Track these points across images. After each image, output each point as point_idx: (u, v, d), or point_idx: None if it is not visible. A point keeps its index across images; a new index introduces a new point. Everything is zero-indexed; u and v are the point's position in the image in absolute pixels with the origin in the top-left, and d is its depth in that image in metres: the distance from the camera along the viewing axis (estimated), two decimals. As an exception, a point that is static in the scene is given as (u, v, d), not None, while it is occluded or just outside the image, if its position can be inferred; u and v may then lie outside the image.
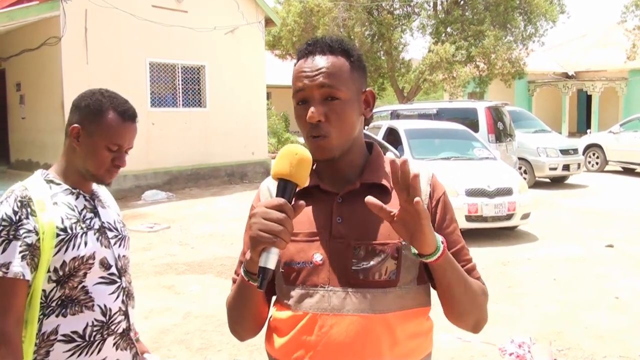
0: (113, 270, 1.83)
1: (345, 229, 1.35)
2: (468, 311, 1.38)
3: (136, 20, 11.79)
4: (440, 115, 12.19)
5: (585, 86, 26.20)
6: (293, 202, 1.22)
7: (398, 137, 9.42)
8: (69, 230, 1.75)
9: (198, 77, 13.53)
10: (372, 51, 22.22)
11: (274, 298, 1.47)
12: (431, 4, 22.95)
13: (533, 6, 21.22)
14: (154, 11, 12.22)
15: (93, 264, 1.77)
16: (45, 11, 10.98)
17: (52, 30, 11.19)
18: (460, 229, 1.47)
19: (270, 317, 1.46)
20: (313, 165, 1.32)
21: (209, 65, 13.47)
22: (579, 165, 13.38)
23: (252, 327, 1.45)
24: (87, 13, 11.25)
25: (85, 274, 1.76)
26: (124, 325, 1.85)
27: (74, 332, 1.74)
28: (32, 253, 1.69)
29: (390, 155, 1.25)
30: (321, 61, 1.34)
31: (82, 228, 1.78)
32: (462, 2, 22.18)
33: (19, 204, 1.71)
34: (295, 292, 1.36)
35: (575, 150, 13.58)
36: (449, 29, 22.00)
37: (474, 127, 11.07)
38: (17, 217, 1.69)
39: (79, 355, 1.75)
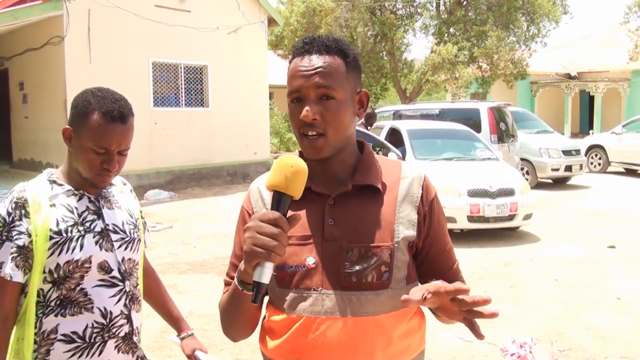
0: (115, 273, 1.80)
1: (337, 232, 1.34)
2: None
3: (139, 19, 11.81)
4: (442, 115, 12.19)
5: (588, 87, 26.15)
6: (288, 215, 1.20)
7: (400, 137, 9.42)
8: (64, 234, 1.72)
9: (201, 77, 13.55)
10: (374, 51, 22.21)
11: (266, 299, 1.46)
12: (434, 5, 22.95)
13: (536, 7, 21.21)
14: (156, 11, 12.24)
15: (90, 267, 1.75)
16: (48, 10, 11.01)
17: (55, 30, 11.22)
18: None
19: (264, 318, 1.45)
20: None
21: (211, 65, 13.48)
22: (581, 166, 13.36)
23: (245, 330, 1.45)
24: (90, 13, 11.27)
25: (82, 277, 1.74)
26: (126, 329, 1.83)
27: (74, 333, 1.74)
28: (25, 255, 1.69)
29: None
30: (318, 61, 1.33)
31: (79, 231, 1.75)
32: (464, 3, 22.17)
33: (13, 205, 1.70)
34: (289, 296, 1.35)
35: (578, 151, 13.55)
36: (451, 30, 21.99)
37: (477, 127, 11.07)
38: (11, 219, 1.69)
39: (79, 357, 1.74)
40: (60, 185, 1.80)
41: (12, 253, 1.67)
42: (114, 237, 1.83)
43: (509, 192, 7.89)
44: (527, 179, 11.35)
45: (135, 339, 1.87)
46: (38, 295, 1.73)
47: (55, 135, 11.25)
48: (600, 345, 4.44)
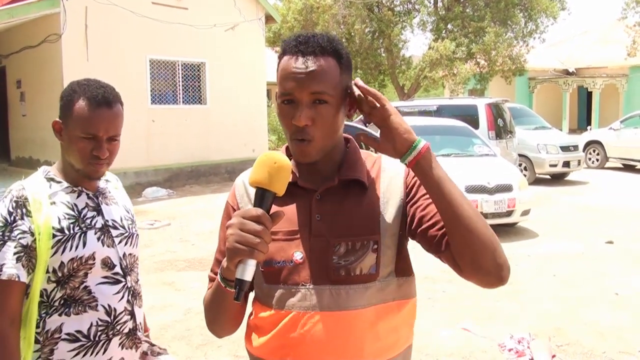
0: (117, 269, 1.80)
1: (324, 227, 1.34)
2: (480, 237, 1.23)
3: (136, 17, 11.79)
4: (440, 112, 12.17)
5: (586, 83, 26.15)
6: (271, 212, 1.19)
7: (398, 134, 9.40)
8: (66, 231, 1.71)
9: (198, 74, 13.53)
10: (372, 48, 22.19)
11: (251, 296, 1.45)
12: (431, 1, 22.92)
13: (534, 3, 21.21)
14: (154, 8, 12.22)
15: (94, 264, 1.74)
16: (45, 8, 10.98)
17: (53, 28, 11.19)
18: None
19: (251, 315, 1.44)
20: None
21: (209, 62, 13.47)
22: (579, 161, 13.39)
23: (229, 327, 1.44)
24: (88, 10, 11.25)
25: (86, 274, 1.73)
26: (130, 325, 1.83)
27: (78, 332, 1.72)
28: (29, 254, 1.67)
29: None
30: (312, 64, 1.28)
31: (80, 228, 1.74)
32: (462, -1, 22.17)
33: (14, 204, 1.69)
34: (277, 292, 1.34)
35: (576, 147, 13.58)
36: (449, 26, 21.98)
37: (474, 123, 11.06)
38: (12, 218, 1.67)
39: (83, 355, 1.73)
40: (59, 182, 1.79)
41: (16, 253, 1.64)
42: (114, 232, 1.83)
43: (507, 188, 7.90)
44: (525, 175, 11.36)
45: (139, 334, 1.87)
46: (41, 296, 1.71)
47: (53, 133, 11.19)
48: (598, 340, 4.45)
